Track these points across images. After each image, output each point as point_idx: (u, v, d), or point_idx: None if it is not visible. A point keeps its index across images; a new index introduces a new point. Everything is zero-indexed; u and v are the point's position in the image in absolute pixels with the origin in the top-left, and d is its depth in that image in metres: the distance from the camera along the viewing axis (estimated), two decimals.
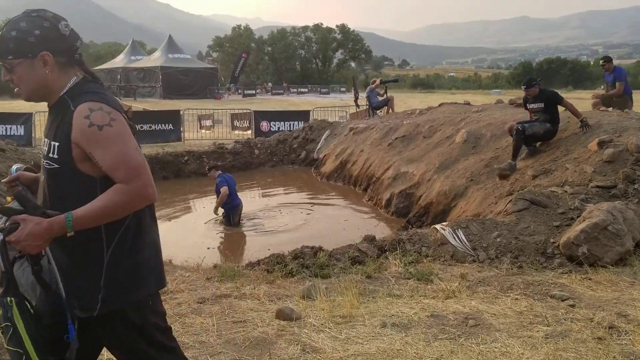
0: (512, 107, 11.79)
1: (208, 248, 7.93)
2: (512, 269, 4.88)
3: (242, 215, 9.31)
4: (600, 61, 10.82)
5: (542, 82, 8.13)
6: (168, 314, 3.58)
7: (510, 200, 6.06)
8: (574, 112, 7.79)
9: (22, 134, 15.84)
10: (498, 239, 5.30)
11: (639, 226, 5.02)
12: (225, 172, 11.80)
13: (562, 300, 4.00)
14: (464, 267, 4.96)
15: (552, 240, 5.22)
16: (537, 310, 3.79)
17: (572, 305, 3.88)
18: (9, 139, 14.43)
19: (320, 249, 5.51)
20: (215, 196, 9.32)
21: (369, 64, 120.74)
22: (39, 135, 16.60)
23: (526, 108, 8.24)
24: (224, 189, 8.85)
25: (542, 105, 7.78)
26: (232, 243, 8.21)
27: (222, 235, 8.77)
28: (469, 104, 14.46)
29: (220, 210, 9.22)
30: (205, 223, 9.26)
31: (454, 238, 5.38)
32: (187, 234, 8.92)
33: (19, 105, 33.18)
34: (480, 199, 7.61)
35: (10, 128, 15.72)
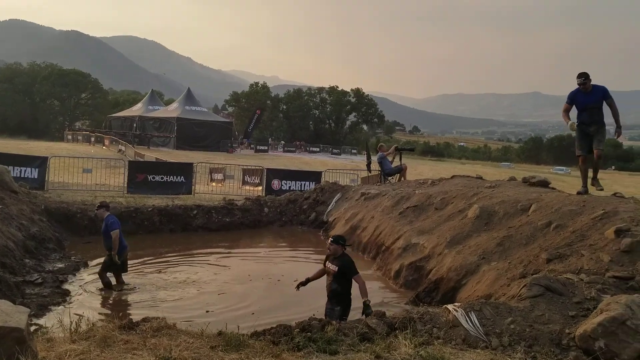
0: (526, 185, 11.77)
1: (207, 311, 7.74)
2: (526, 359, 4.71)
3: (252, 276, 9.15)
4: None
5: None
6: None
7: (525, 285, 5.92)
8: (361, 290, 6.51)
9: (36, 177, 15.98)
10: (512, 326, 5.14)
11: None
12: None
13: None
14: (476, 354, 4.79)
15: (567, 331, 5.05)
16: None
17: None
18: (23, 181, 14.55)
19: (329, 322, 5.36)
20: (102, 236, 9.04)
21: (381, 128, 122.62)
22: (52, 179, 16.76)
23: (325, 265, 6.98)
24: (116, 233, 8.65)
25: (336, 268, 6.72)
26: (230, 308, 8.04)
27: (216, 297, 8.60)
28: (481, 178, 14.47)
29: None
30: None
31: (467, 321, 5.22)
32: (190, 291, 8.80)
33: (35, 147, 33.71)
34: (492, 279, 7.45)
35: (25, 170, 15.86)
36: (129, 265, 9.41)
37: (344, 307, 6.65)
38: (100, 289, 8.64)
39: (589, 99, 8.96)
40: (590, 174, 9.62)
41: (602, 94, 8.94)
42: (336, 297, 6.69)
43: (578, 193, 9.42)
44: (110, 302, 8.17)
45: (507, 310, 5.45)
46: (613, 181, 38.46)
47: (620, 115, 9.17)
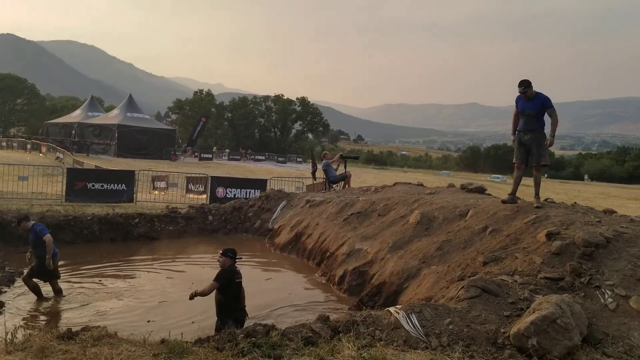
0: (464, 192, 12.18)
1: (148, 321, 7.59)
2: (463, 358, 4.89)
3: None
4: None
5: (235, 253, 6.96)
6: None
7: (463, 287, 6.15)
8: (200, 290, 6.60)
9: None
10: (450, 326, 5.33)
11: (585, 321, 5.17)
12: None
13: None
14: (417, 354, 4.93)
15: (502, 330, 5.28)
16: None
17: None
18: None
19: (273, 327, 5.39)
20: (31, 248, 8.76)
21: (326, 136, 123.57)
22: None
23: None
24: (49, 237, 8.50)
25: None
26: (173, 317, 7.93)
27: (158, 306, 8.46)
28: (422, 185, 14.87)
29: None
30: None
31: (408, 322, 5.37)
32: (136, 300, 8.61)
33: None
34: (432, 282, 7.68)
35: None
36: (67, 274, 9.11)
37: (234, 319, 6.41)
38: (36, 299, 8.34)
39: (527, 105, 8.80)
40: (523, 181, 9.63)
41: (540, 103, 8.71)
42: (225, 310, 6.56)
43: (503, 202, 9.43)
44: (48, 312, 7.89)
45: (446, 311, 5.64)
46: (545, 188, 40.17)
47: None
